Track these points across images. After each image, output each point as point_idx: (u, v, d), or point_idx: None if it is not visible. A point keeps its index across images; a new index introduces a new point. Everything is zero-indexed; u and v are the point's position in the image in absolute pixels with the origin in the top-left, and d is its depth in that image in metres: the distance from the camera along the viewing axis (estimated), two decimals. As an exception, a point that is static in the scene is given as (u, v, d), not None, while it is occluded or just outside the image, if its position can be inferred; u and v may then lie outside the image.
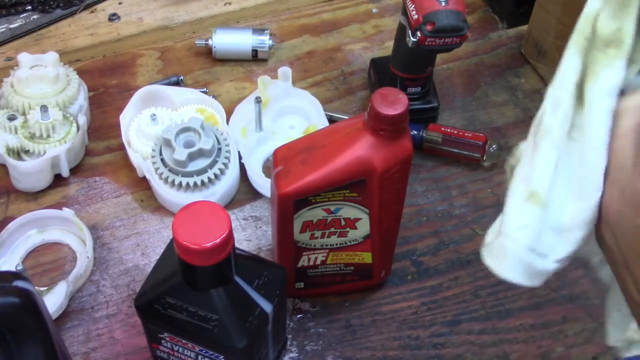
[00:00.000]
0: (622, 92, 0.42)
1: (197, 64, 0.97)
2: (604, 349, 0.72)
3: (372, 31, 1.02)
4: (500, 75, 0.97)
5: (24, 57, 0.86)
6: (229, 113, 0.87)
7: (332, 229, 0.69)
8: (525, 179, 0.44)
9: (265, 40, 0.95)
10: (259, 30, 0.96)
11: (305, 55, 0.98)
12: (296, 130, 0.87)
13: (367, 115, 0.62)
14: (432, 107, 0.89)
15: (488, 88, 0.96)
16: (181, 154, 0.78)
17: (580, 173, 0.43)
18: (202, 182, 0.79)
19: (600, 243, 0.44)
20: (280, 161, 0.65)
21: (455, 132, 0.87)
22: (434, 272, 0.79)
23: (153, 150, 0.81)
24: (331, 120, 0.88)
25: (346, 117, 0.88)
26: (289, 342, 0.73)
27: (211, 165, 0.80)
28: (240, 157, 0.83)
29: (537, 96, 0.94)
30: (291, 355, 0.73)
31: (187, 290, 0.59)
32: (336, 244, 0.70)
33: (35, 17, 1.01)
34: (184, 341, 0.61)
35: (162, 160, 0.80)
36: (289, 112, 0.88)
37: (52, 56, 0.86)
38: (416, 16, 0.78)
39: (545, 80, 0.96)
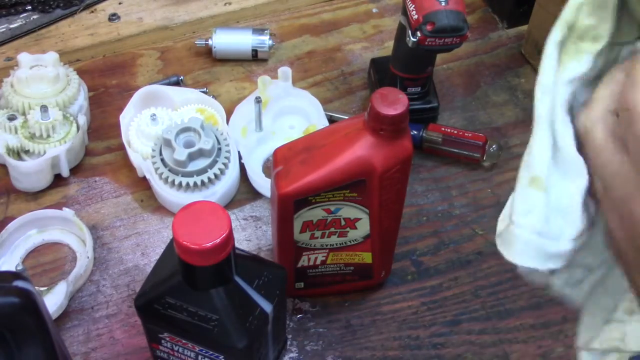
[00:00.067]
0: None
1: (197, 64, 0.97)
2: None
3: (372, 31, 1.02)
4: (500, 75, 0.97)
5: (24, 57, 0.86)
6: (229, 113, 0.87)
7: (332, 229, 0.69)
8: (526, 164, 0.45)
9: (265, 40, 0.95)
10: (259, 30, 0.96)
11: (305, 55, 0.98)
12: (296, 130, 0.87)
13: (367, 115, 0.62)
14: (432, 107, 0.89)
15: (488, 88, 0.96)
16: (181, 154, 0.78)
17: (563, 157, 0.43)
18: (202, 182, 0.79)
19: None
20: (280, 161, 0.65)
21: (455, 132, 0.87)
22: (434, 272, 0.79)
23: (153, 150, 0.81)
24: (331, 120, 0.88)
25: (346, 117, 0.88)
26: (289, 342, 0.73)
27: (211, 165, 0.80)
28: (240, 157, 0.83)
29: (537, 96, 0.94)
30: (291, 355, 0.73)
31: (187, 290, 0.59)
32: (336, 244, 0.70)
33: (35, 17, 1.01)
34: (184, 341, 0.61)
35: (162, 160, 0.80)
36: (289, 112, 0.88)
37: (52, 56, 0.86)
38: (416, 16, 0.78)
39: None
